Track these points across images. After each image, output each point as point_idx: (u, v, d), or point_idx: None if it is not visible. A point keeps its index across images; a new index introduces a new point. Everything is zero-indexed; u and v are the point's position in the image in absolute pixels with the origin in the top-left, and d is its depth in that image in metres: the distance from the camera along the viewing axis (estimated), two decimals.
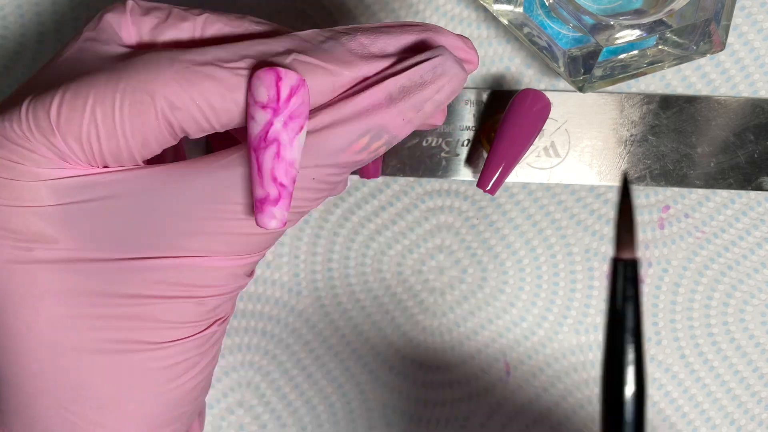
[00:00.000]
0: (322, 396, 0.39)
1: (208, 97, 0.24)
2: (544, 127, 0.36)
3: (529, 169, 0.38)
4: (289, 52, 0.25)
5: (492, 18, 0.37)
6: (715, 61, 0.37)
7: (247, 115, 0.25)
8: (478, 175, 0.36)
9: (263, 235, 0.26)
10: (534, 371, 0.39)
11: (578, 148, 0.37)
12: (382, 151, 0.26)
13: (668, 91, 0.38)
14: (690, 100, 0.37)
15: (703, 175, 0.37)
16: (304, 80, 0.24)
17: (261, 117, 0.24)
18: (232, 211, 0.25)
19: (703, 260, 0.38)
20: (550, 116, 0.36)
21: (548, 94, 0.37)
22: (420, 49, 0.26)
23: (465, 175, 0.38)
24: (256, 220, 0.25)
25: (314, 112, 0.25)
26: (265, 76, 0.24)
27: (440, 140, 0.37)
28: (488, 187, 0.34)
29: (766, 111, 0.37)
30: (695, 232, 0.38)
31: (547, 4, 0.33)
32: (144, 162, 0.26)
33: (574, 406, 0.39)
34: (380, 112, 0.25)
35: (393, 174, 0.38)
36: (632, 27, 0.32)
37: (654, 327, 0.39)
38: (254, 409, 0.39)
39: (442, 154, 0.38)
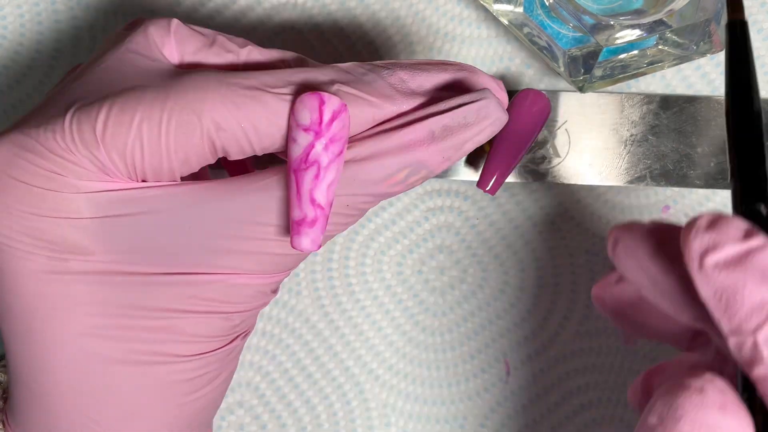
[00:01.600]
0: (322, 396, 0.39)
1: (253, 121, 0.25)
2: (544, 127, 0.36)
3: (529, 169, 0.38)
4: (332, 82, 0.26)
5: (492, 18, 0.38)
6: (716, 61, 0.37)
7: (288, 138, 0.26)
8: (478, 174, 0.36)
9: (294, 256, 0.27)
10: (534, 372, 0.39)
11: (578, 148, 0.37)
12: (418, 184, 0.27)
13: (668, 91, 0.38)
14: (690, 100, 0.37)
15: (703, 175, 0.37)
16: (345, 105, 0.26)
17: (303, 139, 0.25)
18: (266, 232, 0.26)
19: None
20: (550, 116, 0.36)
21: (548, 94, 0.37)
22: (456, 88, 0.27)
23: (465, 175, 0.38)
24: (291, 241, 0.25)
25: (355, 141, 0.26)
26: (309, 100, 0.25)
27: None
28: (488, 187, 0.34)
29: (766, 111, 0.37)
30: None
31: (547, 4, 0.33)
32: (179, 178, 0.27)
33: (576, 407, 0.39)
34: (421, 149, 0.26)
35: None
36: (632, 27, 0.32)
37: None
38: (254, 409, 0.39)
39: None
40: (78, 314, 0.26)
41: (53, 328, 0.26)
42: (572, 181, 0.37)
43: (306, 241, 0.25)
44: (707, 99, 0.37)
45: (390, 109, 0.26)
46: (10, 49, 0.38)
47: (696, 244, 0.21)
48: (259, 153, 0.26)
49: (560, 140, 0.37)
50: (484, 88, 0.27)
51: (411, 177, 0.26)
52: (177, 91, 0.25)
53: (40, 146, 0.25)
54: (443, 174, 0.38)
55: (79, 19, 0.38)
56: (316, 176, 0.25)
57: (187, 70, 0.27)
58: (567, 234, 0.39)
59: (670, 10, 0.32)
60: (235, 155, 0.26)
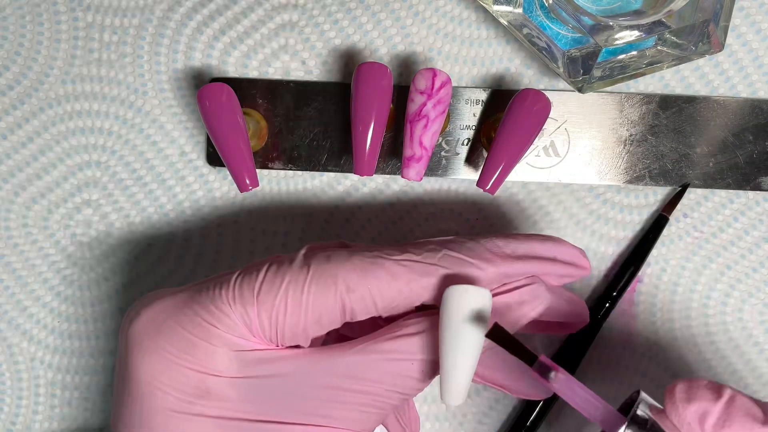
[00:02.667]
0: None
1: (377, 284, 0.30)
2: (543, 127, 0.36)
3: (529, 169, 0.38)
4: (440, 249, 0.31)
5: (492, 18, 0.38)
6: (714, 61, 0.38)
7: (408, 100, 0.34)
8: (478, 174, 0.36)
9: (383, 414, 0.31)
10: None
11: (578, 147, 0.37)
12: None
13: (667, 91, 0.38)
14: (689, 101, 0.37)
15: (701, 175, 0.37)
16: (450, 78, 0.34)
17: (418, 99, 0.34)
18: (376, 394, 0.30)
19: (702, 260, 0.38)
20: (549, 116, 0.36)
21: (548, 94, 0.37)
22: (544, 256, 0.32)
23: (465, 174, 0.38)
24: (402, 172, 0.34)
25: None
26: (425, 72, 0.34)
27: (440, 139, 0.38)
28: (488, 187, 0.34)
29: (765, 111, 0.37)
30: (694, 232, 0.38)
31: (546, 5, 0.33)
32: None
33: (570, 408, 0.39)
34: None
35: (393, 173, 0.38)
36: (631, 28, 0.32)
37: (652, 326, 0.39)
38: None
39: (443, 153, 0.38)
40: None
41: None
42: (571, 181, 0.37)
43: (413, 172, 0.34)
44: (706, 99, 0.37)
45: (492, 270, 0.31)
46: (10, 50, 0.38)
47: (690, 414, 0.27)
48: (382, 314, 0.31)
49: (560, 140, 0.38)
50: (534, 276, 0.32)
51: None
52: (318, 262, 0.30)
53: (207, 300, 0.30)
54: (443, 173, 0.38)
55: (80, 19, 0.38)
56: (425, 126, 0.34)
57: (318, 249, 0.32)
58: (566, 233, 0.39)
59: (669, 11, 0.32)
60: (360, 315, 0.31)
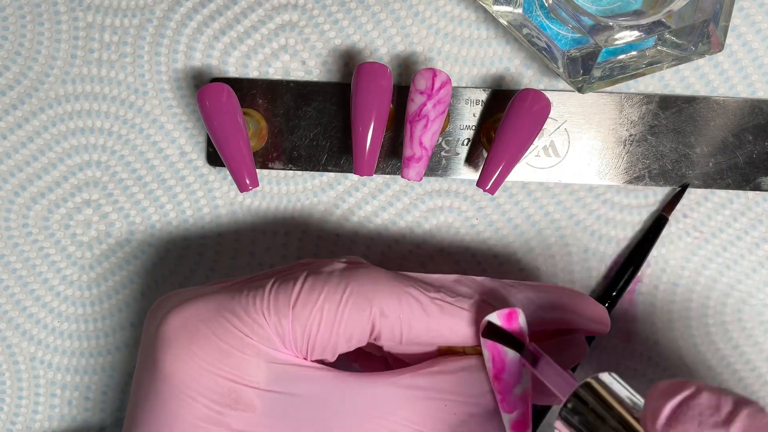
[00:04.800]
0: None
1: (410, 315, 0.30)
2: (543, 127, 0.36)
3: (529, 169, 0.38)
4: (473, 295, 0.31)
5: (492, 19, 0.38)
6: (714, 61, 0.38)
7: (408, 100, 0.34)
8: (478, 174, 0.36)
9: None
10: None
11: (577, 147, 0.38)
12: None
13: (667, 91, 0.38)
14: (689, 101, 0.37)
15: (701, 175, 0.38)
16: (450, 78, 0.34)
17: (418, 99, 0.34)
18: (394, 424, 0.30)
19: (702, 260, 0.38)
20: (549, 116, 0.36)
21: (548, 94, 0.37)
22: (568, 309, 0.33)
23: (465, 174, 0.38)
24: (402, 173, 0.34)
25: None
26: (425, 72, 0.34)
27: (440, 139, 0.38)
28: (488, 187, 0.34)
29: (765, 111, 0.37)
30: (693, 232, 0.38)
31: (546, 5, 0.33)
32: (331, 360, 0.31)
33: None
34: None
35: (393, 173, 0.38)
36: (631, 28, 0.32)
37: (651, 327, 0.39)
38: None
39: (442, 153, 0.38)
40: None
41: None
42: (571, 181, 0.38)
43: (413, 172, 0.34)
44: (706, 99, 0.37)
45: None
46: (11, 50, 0.38)
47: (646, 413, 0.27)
48: (405, 344, 0.31)
49: (559, 140, 0.38)
50: (579, 329, 0.33)
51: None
52: (357, 281, 0.30)
53: (240, 309, 0.30)
54: (443, 173, 0.38)
55: (80, 19, 0.38)
56: (425, 126, 0.34)
57: (361, 263, 0.32)
58: (566, 233, 0.39)
59: (669, 11, 0.32)
60: (385, 340, 0.31)
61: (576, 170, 0.38)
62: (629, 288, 0.38)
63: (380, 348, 0.32)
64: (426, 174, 0.37)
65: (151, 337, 0.30)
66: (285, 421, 0.29)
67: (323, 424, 0.29)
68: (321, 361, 0.31)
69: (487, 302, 0.31)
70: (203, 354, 0.29)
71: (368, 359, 0.35)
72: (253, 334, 0.29)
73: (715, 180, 0.37)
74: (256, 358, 0.29)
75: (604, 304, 0.38)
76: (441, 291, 0.31)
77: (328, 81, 0.38)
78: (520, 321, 0.30)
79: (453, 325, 0.31)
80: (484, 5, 0.34)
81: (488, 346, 0.30)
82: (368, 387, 0.30)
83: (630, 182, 0.38)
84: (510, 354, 0.30)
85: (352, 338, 0.30)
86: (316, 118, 0.38)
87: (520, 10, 0.34)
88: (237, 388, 0.29)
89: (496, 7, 0.34)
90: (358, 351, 0.34)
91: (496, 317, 0.29)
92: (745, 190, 0.38)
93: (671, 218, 0.38)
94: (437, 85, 0.34)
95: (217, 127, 0.34)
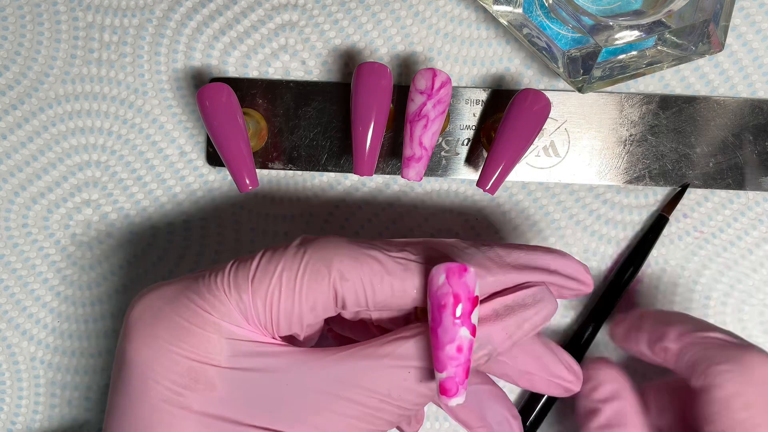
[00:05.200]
0: None
1: (371, 275, 0.29)
2: (543, 127, 0.36)
3: (529, 169, 0.38)
4: (438, 252, 0.30)
5: (492, 18, 0.38)
6: (714, 61, 0.38)
7: (408, 99, 0.34)
8: (478, 174, 0.36)
9: (377, 431, 0.30)
10: None
11: (578, 147, 0.37)
12: (482, 361, 0.30)
13: (667, 91, 0.38)
14: (689, 101, 0.37)
15: (701, 175, 0.37)
16: (450, 78, 0.34)
17: (418, 99, 0.34)
18: (364, 397, 0.29)
19: (702, 260, 0.38)
20: (549, 116, 0.36)
21: (548, 94, 0.37)
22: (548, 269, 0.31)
23: (465, 174, 0.38)
24: (402, 173, 0.34)
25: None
26: (425, 72, 0.34)
27: (441, 139, 0.38)
28: (488, 187, 0.34)
29: (765, 111, 0.37)
30: (694, 232, 0.38)
31: (546, 5, 0.33)
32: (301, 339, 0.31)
33: (574, 405, 0.39)
34: (487, 324, 0.29)
35: (393, 173, 0.38)
36: (631, 28, 0.32)
37: None
38: None
39: (443, 153, 0.38)
40: None
41: None
42: (571, 181, 0.37)
43: (413, 172, 0.34)
44: (706, 99, 0.37)
45: (487, 278, 0.30)
46: (10, 50, 0.38)
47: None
48: (372, 309, 0.30)
49: (560, 140, 0.38)
50: (541, 282, 0.31)
51: (478, 351, 0.29)
52: (313, 248, 0.30)
53: (202, 287, 0.30)
54: (443, 173, 0.38)
55: (80, 19, 0.38)
56: (425, 126, 0.34)
57: (316, 238, 0.31)
58: (566, 233, 0.39)
59: (669, 11, 0.32)
60: (351, 307, 0.30)
61: (576, 170, 0.38)
62: (629, 288, 0.38)
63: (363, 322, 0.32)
64: (426, 174, 0.37)
65: (123, 322, 0.31)
66: (246, 401, 0.29)
67: (286, 401, 0.29)
68: (293, 340, 0.31)
69: (452, 260, 0.30)
70: (164, 334, 0.29)
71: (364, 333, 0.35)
72: (214, 310, 0.29)
73: (716, 180, 0.37)
74: (217, 335, 0.29)
75: (605, 305, 0.38)
76: (405, 250, 0.30)
77: (328, 81, 0.38)
78: (468, 279, 0.28)
79: (418, 283, 0.30)
80: (484, 5, 0.34)
81: (430, 298, 0.29)
82: (331, 361, 0.29)
83: (630, 182, 0.38)
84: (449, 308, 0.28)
85: (316, 306, 0.29)
86: (316, 118, 0.38)
87: (520, 10, 0.34)
88: (196, 367, 0.29)
89: (496, 7, 0.34)
90: (353, 326, 0.34)
91: (442, 269, 0.28)
92: (745, 190, 0.38)
93: (671, 218, 0.38)
94: (437, 84, 0.34)
95: (216, 127, 0.34)
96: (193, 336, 0.29)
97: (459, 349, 0.28)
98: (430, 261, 0.30)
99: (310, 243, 0.30)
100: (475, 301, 0.28)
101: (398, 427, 0.35)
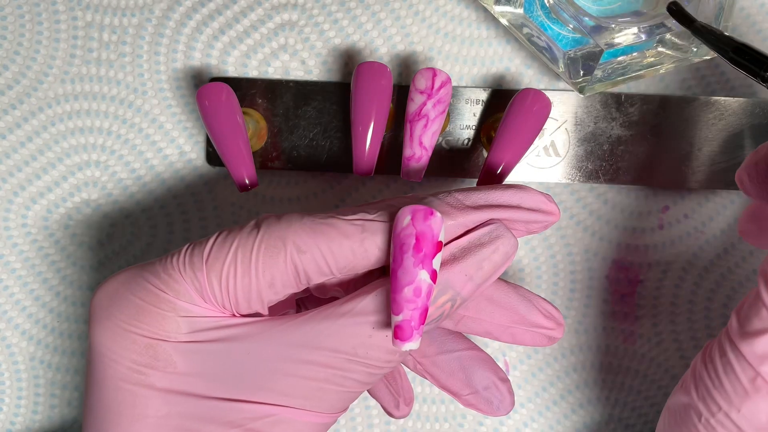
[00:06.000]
0: None
1: (328, 243, 0.28)
2: (544, 127, 0.36)
3: (529, 169, 0.38)
4: (395, 206, 0.29)
5: (492, 18, 0.38)
6: (714, 63, 0.38)
7: (408, 99, 0.34)
8: (478, 174, 0.36)
9: (351, 393, 0.29)
10: (533, 371, 0.39)
11: (578, 147, 0.37)
12: (447, 308, 0.29)
13: (667, 92, 0.38)
14: (689, 101, 0.37)
15: (702, 175, 0.37)
16: (450, 78, 0.34)
17: (418, 99, 0.34)
18: (329, 358, 0.28)
19: (703, 260, 0.38)
20: (550, 116, 0.36)
21: (548, 94, 0.37)
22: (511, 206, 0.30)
23: (465, 174, 0.38)
24: (402, 173, 0.34)
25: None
26: (426, 72, 0.34)
27: (441, 139, 0.38)
28: None
29: (765, 112, 0.37)
30: (695, 233, 0.38)
31: (547, 5, 0.33)
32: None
33: (573, 405, 0.39)
34: (444, 269, 0.28)
35: (393, 173, 0.38)
36: (632, 29, 0.32)
37: (654, 328, 0.39)
38: None
39: (443, 153, 0.38)
40: (140, 426, 0.29)
41: None
42: (572, 181, 0.37)
43: (413, 172, 0.34)
44: (706, 100, 0.37)
45: (449, 222, 0.29)
46: (9, 49, 0.38)
47: None
48: (338, 274, 0.29)
49: (560, 140, 0.37)
50: (497, 220, 0.30)
51: (440, 297, 0.28)
52: (268, 225, 0.29)
53: (159, 268, 0.29)
54: (443, 173, 0.38)
55: (79, 18, 0.38)
56: (425, 125, 0.34)
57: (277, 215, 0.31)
58: (566, 234, 0.39)
59: None
60: (315, 278, 0.29)
61: (576, 170, 0.37)
62: (629, 289, 0.38)
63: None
64: (426, 174, 0.37)
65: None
66: (208, 375, 0.29)
67: (248, 371, 0.29)
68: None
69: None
70: (120, 314, 0.29)
71: None
72: (169, 289, 0.29)
73: (716, 180, 0.37)
74: (172, 313, 0.29)
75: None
76: (360, 212, 0.29)
77: (328, 81, 0.38)
78: (433, 222, 0.28)
79: (378, 241, 0.29)
80: (484, 5, 0.34)
81: (393, 240, 0.28)
82: (292, 326, 0.29)
83: (630, 182, 0.38)
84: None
85: (275, 282, 0.29)
86: (316, 117, 0.38)
87: (520, 10, 0.34)
88: (154, 344, 0.29)
89: (496, 7, 0.34)
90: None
91: (408, 211, 0.28)
92: None
93: (672, 219, 0.38)
94: (437, 84, 0.34)
95: (216, 127, 0.34)
96: (148, 314, 0.29)
97: (417, 292, 0.27)
98: (390, 218, 0.29)
99: (265, 220, 0.30)
100: (439, 246, 0.27)
101: (387, 411, 0.35)
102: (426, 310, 0.27)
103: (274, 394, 0.29)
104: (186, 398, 0.29)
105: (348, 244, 0.28)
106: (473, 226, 0.29)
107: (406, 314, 0.27)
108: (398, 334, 0.27)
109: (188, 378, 0.29)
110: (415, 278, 0.27)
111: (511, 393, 0.33)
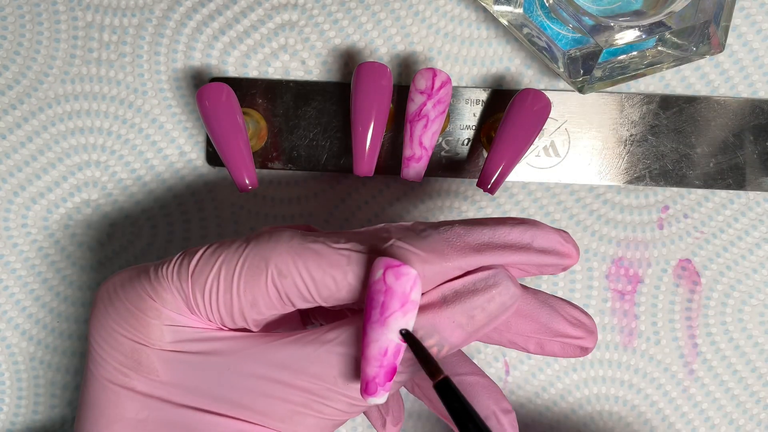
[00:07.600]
0: None
1: (310, 271, 0.27)
2: (544, 127, 0.36)
3: (529, 169, 0.38)
4: (389, 238, 0.27)
5: (492, 18, 0.38)
6: (714, 61, 0.38)
7: (408, 99, 0.34)
8: (478, 174, 0.36)
9: (327, 421, 0.28)
10: (533, 371, 0.39)
11: (578, 147, 0.37)
12: (435, 351, 0.27)
13: (668, 91, 0.38)
14: (689, 101, 0.37)
15: (702, 175, 0.37)
16: (450, 78, 0.34)
17: (418, 99, 0.34)
18: (311, 383, 0.27)
19: (702, 260, 0.38)
20: (550, 116, 0.36)
21: (548, 94, 0.37)
22: (518, 247, 0.28)
23: (465, 174, 0.38)
24: (402, 173, 0.34)
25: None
26: (425, 72, 0.34)
27: (441, 139, 0.38)
28: (488, 187, 0.34)
29: (765, 111, 0.37)
30: (694, 233, 0.38)
31: (546, 5, 0.33)
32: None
33: (573, 405, 0.39)
34: (432, 312, 0.27)
35: (393, 173, 0.38)
36: (632, 28, 0.32)
37: (653, 327, 0.39)
38: None
39: (443, 153, 0.38)
40: (119, 426, 0.29)
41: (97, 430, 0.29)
42: (571, 181, 0.37)
43: (413, 172, 0.34)
44: (706, 99, 0.37)
45: (442, 264, 0.27)
46: (10, 49, 0.38)
47: None
48: (322, 303, 0.28)
49: (560, 140, 0.37)
50: (499, 266, 0.27)
51: (427, 340, 0.27)
52: (255, 242, 0.28)
53: (152, 273, 0.29)
54: (443, 173, 0.38)
55: (79, 18, 0.38)
56: (425, 126, 0.34)
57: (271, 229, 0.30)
58: None
59: (670, 11, 0.32)
60: (297, 303, 0.28)
61: (576, 170, 0.37)
62: (629, 288, 0.38)
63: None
64: (426, 174, 0.37)
65: None
66: (188, 385, 0.28)
67: (231, 387, 0.28)
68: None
69: (404, 248, 0.27)
70: (113, 315, 0.29)
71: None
72: (157, 296, 0.29)
73: (716, 180, 0.37)
74: (157, 320, 0.29)
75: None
76: (352, 241, 0.28)
77: (328, 81, 0.38)
78: (405, 281, 0.25)
79: (363, 275, 0.27)
80: (484, 5, 0.34)
81: (367, 290, 0.26)
82: (277, 346, 0.28)
83: (630, 182, 0.38)
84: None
85: (257, 303, 0.28)
86: (316, 118, 0.38)
87: (520, 10, 0.34)
88: (139, 349, 0.29)
89: (496, 7, 0.34)
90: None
91: (381, 264, 0.26)
92: (745, 190, 0.37)
93: (672, 219, 0.38)
94: (437, 84, 0.34)
95: (216, 127, 0.34)
96: (135, 319, 0.29)
97: (383, 351, 0.26)
98: (379, 252, 0.27)
99: (255, 237, 0.29)
100: (412, 306, 0.26)
101: (376, 428, 0.34)
102: (393, 368, 0.26)
103: (251, 412, 0.28)
104: (164, 404, 0.29)
105: (331, 274, 0.27)
106: (472, 269, 0.27)
107: (371, 371, 0.26)
108: (364, 388, 0.26)
109: (168, 387, 0.29)
110: (381, 337, 0.26)
111: (514, 427, 0.30)
